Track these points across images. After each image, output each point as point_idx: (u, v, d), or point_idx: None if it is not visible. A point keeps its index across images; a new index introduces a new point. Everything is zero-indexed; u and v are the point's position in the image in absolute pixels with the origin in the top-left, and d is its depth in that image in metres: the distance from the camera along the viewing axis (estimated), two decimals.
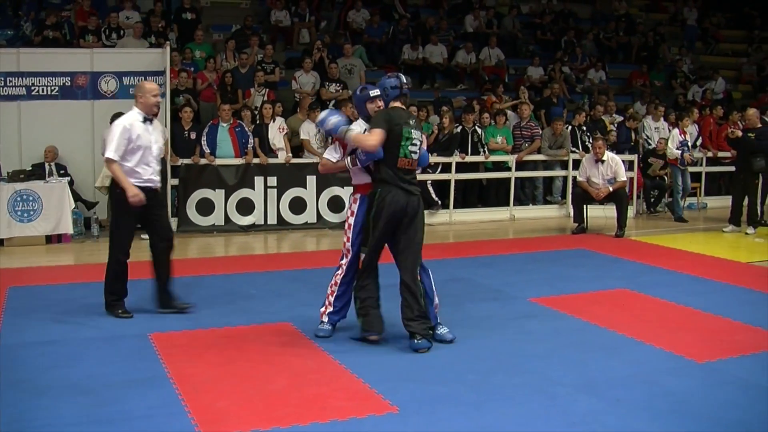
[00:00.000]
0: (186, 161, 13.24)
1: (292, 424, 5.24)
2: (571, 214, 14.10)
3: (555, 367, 6.40)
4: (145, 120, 7.87)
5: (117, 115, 12.72)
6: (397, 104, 7.09)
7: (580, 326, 7.61)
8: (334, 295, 7.29)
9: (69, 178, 12.95)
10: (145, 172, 7.85)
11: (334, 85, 16.08)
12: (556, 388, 5.93)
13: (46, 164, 13.01)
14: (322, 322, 7.29)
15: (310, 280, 9.44)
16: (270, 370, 6.30)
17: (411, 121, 7.05)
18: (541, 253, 11.71)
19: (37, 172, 12.73)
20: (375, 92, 7.15)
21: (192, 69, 15.48)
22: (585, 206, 13.65)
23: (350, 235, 7.26)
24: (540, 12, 22.79)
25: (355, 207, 7.19)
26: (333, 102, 15.34)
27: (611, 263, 10.95)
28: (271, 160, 13.60)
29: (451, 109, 15.59)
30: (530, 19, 22.74)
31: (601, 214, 13.88)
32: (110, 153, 7.67)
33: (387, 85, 7.11)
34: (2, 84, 13.33)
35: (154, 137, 7.97)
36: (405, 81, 7.12)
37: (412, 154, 7.02)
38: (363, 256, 7.21)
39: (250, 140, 13.47)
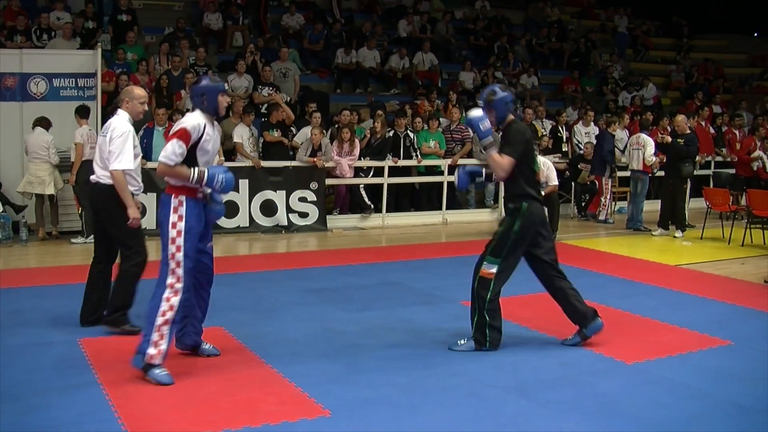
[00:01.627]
0: None
1: (223, 428, 5.24)
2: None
3: (486, 370, 6.48)
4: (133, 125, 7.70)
5: (40, 120, 12.68)
6: (512, 117, 7.12)
7: (511, 329, 7.65)
8: (169, 324, 6.17)
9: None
10: (139, 177, 7.78)
11: (267, 88, 16.04)
12: (487, 390, 6.01)
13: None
14: (153, 367, 6.12)
15: (241, 284, 9.41)
16: (201, 375, 6.29)
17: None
18: (473, 256, 11.39)
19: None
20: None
21: (125, 70, 15.33)
22: None
23: (180, 243, 6.18)
24: (473, 17, 23.04)
25: (182, 210, 6.21)
26: (266, 105, 15.32)
27: None
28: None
29: (383, 113, 15.63)
30: (464, 24, 22.99)
31: None
32: (126, 164, 7.39)
33: (508, 99, 7.02)
34: None
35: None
36: None
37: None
38: (492, 269, 7.06)
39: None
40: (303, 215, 14.05)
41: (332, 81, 19.06)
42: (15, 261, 11.50)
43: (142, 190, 7.93)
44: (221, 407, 5.61)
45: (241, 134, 13.93)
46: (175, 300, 6.16)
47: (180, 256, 6.19)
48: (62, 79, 13.73)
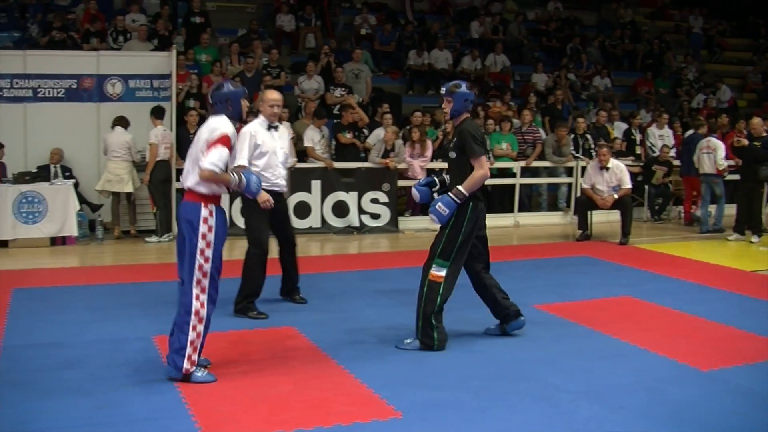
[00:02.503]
0: None
1: (295, 428, 5.26)
2: (576, 221, 14.07)
3: (558, 374, 6.42)
4: (269, 127, 8.28)
5: (119, 119, 12.89)
6: (467, 116, 7.22)
7: (584, 333, 7.63)
8: (201, 336, 6.17)
9: (74, 181, 12.97)
10: (270, 175, 8.29)
11: (339, 89, 16.09)
12: (559, 394, 5.96)
13: (52, 166, 13.04)
14: (191, 375, 6.16)
15: (313, 284, 9.44)
16: (274, 374, 6.34)
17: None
18: (545, 260, 11.71)
19: (42, 174, 12.76)
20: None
21: (196, 72, 15.50)
22: (589, 213, 13.63)
23: (209, 255, 6.15)
24: (546, 19, 22.82)
25: (212, 221, 6.14)
26: (338, 107, 15.38)
27: (615, 271, 10.96)
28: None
29: None
30: (536, 25, 22.77)
31: (605, 220, 13.89)
32: (241, 160, 8.04)
33: (470, 98, 7.16)
34: (9, 86, 13.36)
35: (279, 143, 8.37)
36: None
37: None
38: (443, 271, 7.06)
39: None
40: (375, 216, 14.10)
41: (404, 82, 19.05)
42: (91, 259, 11.71)
43: (279, 188, 8.52)
44: (293, 407, 5.65)
45: (312, 137, 14.02)
46: (203, 312, 6.12)
47: (208, 267, 6.13)
48: (138, 81, 13.97)
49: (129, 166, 12.88)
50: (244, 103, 6.48)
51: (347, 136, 14.48)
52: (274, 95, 8.38)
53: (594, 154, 14.71)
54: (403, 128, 15.25)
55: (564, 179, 15.86)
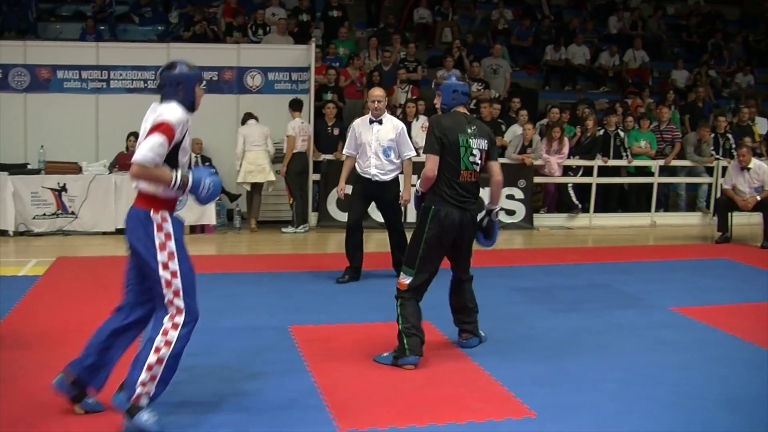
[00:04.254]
0: (328, 157, 13.44)
1: (428, 423, 5.27)
2: (715, 222, 13.72)
3: (696, 380, 6.26)
4: (371, 121, 9.29)
5: (249, 114, 13.14)
6: (461, 110, 6.65)
7: (723, 339, 7.43)
8: (162, 366, 5.06)
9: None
10: (364, 164, 9.28)
11: (475, 84, 16.07)
12: (696, 402, 5.80)
13: (192, 156, 13.33)
14: (139, 409, 5.00)
15: (448, 279, 9.42)
16: (407, 368, 6.36)
17: (470, 129, 6.56)
18: (682, 261, 11.47)
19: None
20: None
21: (337, 64, 15.70)
22: (730, 215, 13.29)
23: (176, 267, 5.12)
24: (686, 13, 22.26)
25: (168, 227, 5.12)
26: (474, 101, 15.35)
27: (756, 275, 10.62)
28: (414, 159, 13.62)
29: (593, 112, 15.42)
30: (676, 20, 22.23)
31: (746, 222, 13.55)
32: (347, 150, 9.47)
33: (459, 89, 6.61)
34: (154, 78, 13.74)
35: (376, 136, 9.22)
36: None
37: (474, 165, 6.59)
38: (407, 278, 6.51)
39: None
40: (510, 213, 14.00)
41: (540, 78, 18.91)
42: (228, 248, 11.99)
43: (370, 175, 9.36)
44: (426, 401, 5.66)
45: None
46: (174, 334, 5.05)
47: (178, 282, 5.08)
48: (277, 73, 14.22)
49: (268, 156, 13.11)
50: (199, 92, 5.38)
51: None
52: (375, 92, 9.40)
53: (735, 154, 14.34)
54: (540, 124, 15.15)
55: (704, 179, 15.48)
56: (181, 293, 5.10)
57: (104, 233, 12.48)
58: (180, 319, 5.10)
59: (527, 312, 8.30)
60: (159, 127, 5.01)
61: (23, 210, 12.32)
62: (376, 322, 7.73)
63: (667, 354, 6.97)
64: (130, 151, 12.97)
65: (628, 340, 7.38)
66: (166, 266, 5.06)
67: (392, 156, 9.28)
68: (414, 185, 7.00)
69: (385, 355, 6.51)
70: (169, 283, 5.07)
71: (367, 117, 9.44)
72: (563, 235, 13.93)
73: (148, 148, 4.94)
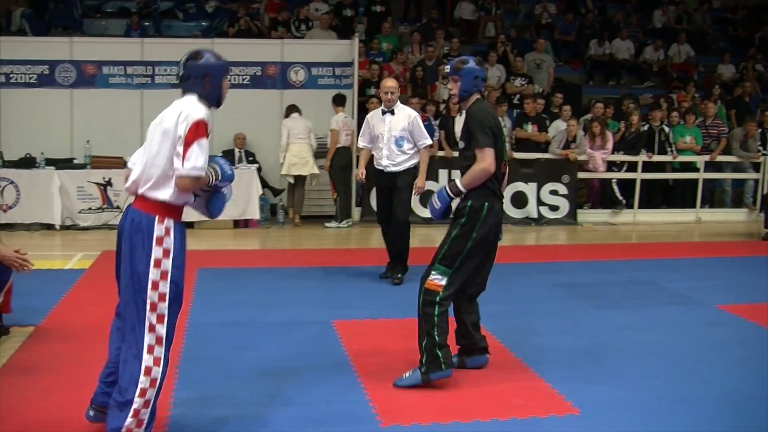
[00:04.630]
0: None
1: (472, 419, 5.26)
2: (762, 218, 13.54)
3: (744, 379, 6.18)
4: (384, 112, 9.19)
5: (292, 107, 13.18)
6: (478, 96, 6.13)
7: None
8: (151, 403, 4.58)
9: (257, 165, 13.33)
10: (377, 156, 9.24)
11: (519, 79, 16.01)
12: (746, 401, 5.74)
13: (236, 150, 13.45)
14: None
15: (492, 275, 9.38)
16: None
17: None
18: (729, 258, 11.33)
19: (226, 159, 13.12)
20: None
21: (381, 59, 15.71)
22: None
23: (165, 290, 4.59)
24: (732, 6, 22.01)
25: (169, 241, 4.60)
26: (518, 96, 15.28)
27: None
28: (456, 154, 13.59)
29: (638, 107, 15.30)
30: (722, 14, 22.00)
31: None
32: (362, 142, 9.49)
33: (480, 75, 6.05)
34: None
35: (388, 126, 9.10)
36: None
37: (505, 155, 6.15)
38: (441, 278, 5.83)
39: (436, 133, 13.51)
40: (553, 208, 14.00)
41: (584, 73, 18.79)
42: (272, 242, 12.03)
43: (382, 167, 9.28)
44: (470, 397, 5.65)
45: None
46: (157, 371, 4.54)
47: (164, 307, 4.56)
48: (320, 68, 14.26)
49: (311, 150, 13.13)
50: (226, 85, 4.88)
51: (528, 129, 14.37)
52: (387, 83, 9.33)
53: None
54: (584, 119, 15.07)
55: (750, 175, 15.31)
56: (165, 320, 4.57)
57: None
58: (160, 351, 4.56)
59: (571, 308, 8.25)
60: (196, 130, 4.54)
61: (69, 204, 12.45)
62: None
63: (715, 352, 6.89)
64: None
65: (675, 337, 7.30)
66: (155, 286, 4.54)
67: (405, 146, 9.13)
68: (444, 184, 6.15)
69: (408, 375, 5.86)
70: (154, 306, 4.54)
71: (380, 109, 9.36)
72: (607, 231, 13.84)
73: (196, 156, 4.50)
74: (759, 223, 13.88)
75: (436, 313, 5.77)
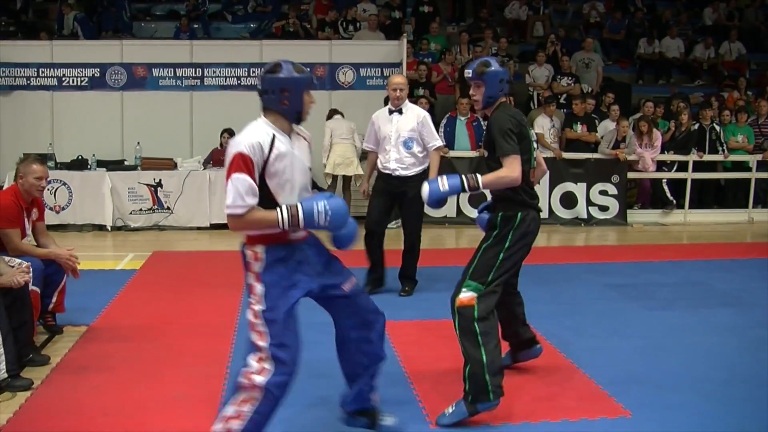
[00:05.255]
0: None
1: (522, 421, 5.25)
2: None
3: None
4: (391, 111, 8.49)
5: (334, 110, 13.21)
6: (504, 100, 5.70)
7: None
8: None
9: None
10: (384, 159, 8.54)
11: (566, 78, 15.92)
12: None
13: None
14: None
15: (542, 276, 9.32)
16: None
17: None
18: None
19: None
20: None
21: (429, 59, 15.70)
22: None
23: (262, 306, 4.38)
24: None
25: (259, 267, 4.40)
26: (564, 96, 15.21)
27: None
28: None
29: (688, 106, 15.16)
30: None
31: None
32: (367, 144, 8.84)
33: (504, 78, 5.58)
34: (246, 75, 13.97)
35: (396, 127, 8.43)
36: None
37: (534, 162, 5.75)
38: (472, 294, 5.27)
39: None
40: (603, 209, 13.91)
41: (634, 72, 18.64)
42: None
43: (389, 171, 8.61)
44: (520, 399, 5.60)
45: (542, 125, 13.98)
46: (248, 409, 4.30)
47: (265, 344, 4.32)
48: (368, 69, 14.29)
49: (356, 150, 13.15)
50: (308, 99, 4.48)
51: (578, 129, 14.29)
52: (396, 79, 8.64)
53: None
54: (633, 119, 14.96)
55: None
56: (268, 338, 4.31)
57: (198, 228, 12.68)
58: (270, 366, 4.31)
59: (622, 309, 8.20)
60: (232, 166, 4.24)
61: (120, 205, 12.59)
62: None
63: None
64: (223, 147, 13.14)
65: (728, 339, 7.22)
66: (256, 315, 4.35)
67: (414, 148, 8.48)
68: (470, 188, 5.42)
69: (451, 411, 5.27)
70: (261, 335, 4.33)
71: (387, 108, 8.68)
72: (657, 231, 13.73)
73: (234, 197, 4.22)
74: None
75: (478, 331, 5.19)
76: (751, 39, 19.79)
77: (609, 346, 6.93)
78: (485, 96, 5.51)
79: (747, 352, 6.84)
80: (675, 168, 14.51)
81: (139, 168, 12.85)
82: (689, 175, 14.41)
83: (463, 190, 5.39)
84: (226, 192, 4.24)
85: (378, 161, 8.69)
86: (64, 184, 12.48)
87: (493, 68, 5.49)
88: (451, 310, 5.34)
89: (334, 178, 13.26)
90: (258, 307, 4.32)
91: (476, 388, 5.16)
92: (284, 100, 4.37)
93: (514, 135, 5.36)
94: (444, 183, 5.33)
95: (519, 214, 5.46)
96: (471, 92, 5.63)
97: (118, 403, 5.45)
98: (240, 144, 4.26)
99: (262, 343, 4.28)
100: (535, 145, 5.80)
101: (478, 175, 5.35)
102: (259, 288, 4.34)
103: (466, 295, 5.26)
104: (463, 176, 5.35)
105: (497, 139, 5.35)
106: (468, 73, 5.60)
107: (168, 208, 12.63)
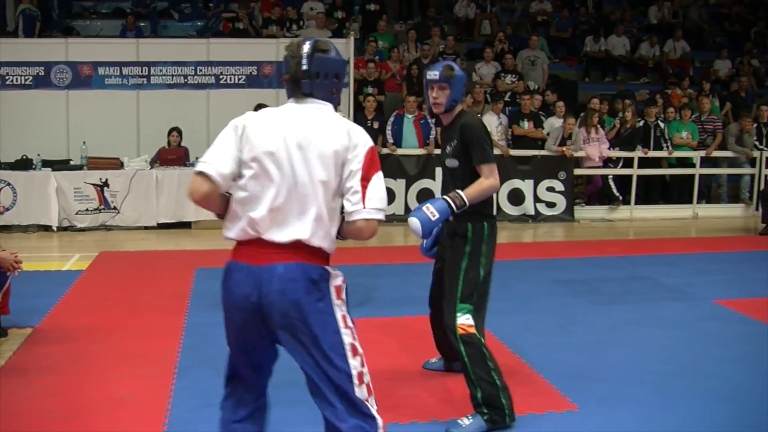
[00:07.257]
0: None
1: (467, 414, 5.19)
2: (759, 214, 13.55)
3: (743, 374, 6.16)
4: None
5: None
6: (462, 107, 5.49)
7: None
8: None
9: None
10: None
11: (510, 76, 15.99)
12: (744, 396, 5.72)
13: None
14: None
15: (496, 274, 9.34)
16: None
17: None
18: (726, 253, 11.36)
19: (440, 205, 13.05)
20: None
21: (377, 58, 15.71)
22: None
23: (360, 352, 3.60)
24: (728, 2, 22.01)
25: (345, 291, 3.70)
26: (509, 93, 15.29)
27: None
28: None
29: (633, 103, 15.31)
30: (717, 9, 22.00)
31: None
32: None
33: (465, 81, 5.42)
34: (193, 73, 13.86)
35: None
36: None
37: None
38: (469, 317, 5.18)
39: (432, 132, 13.54)
40: (550, 205, 13.99)
41: (581, 69, 18.79)
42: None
43: None
44: (466, 393, 5.48)
45: (490, 122, 13.96)
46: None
47: (367, 376, 3.56)
48: None
49: None
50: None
51: (525, 126, 14.38)
52: None
53: None
54: (580, 115, 15.07)
55: (746, 170, 15.30)
56: (372, 390, 3.56)
57: (146, 228, 12.56)
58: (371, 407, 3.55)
59: (569, 304, 8.26)
60: (373, 161, 3.52)
61: (66, 205, 12.42)
62: (417, 315, 7.61)
63: (713, 347, 6.88)
64: (171, 146, 13.06)
65: (672, 332, 7.30)
66: (355, 351, 3.52)
67: None
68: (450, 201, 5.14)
69: (468, 423, 5.12)
70: (361, 377, 3.50)
71: None
72: (604, 227, 13.85)
73: (380, 195, 3.50)
74: (756, 218, 13.94)
75: (486, 355, 5.14)
76: (695, 38, 20.05)
77: (556, 342, 6.97)
78: (450, 98, 5.28)
79: (692, 345, 6.93)
80: (621, 164, 14.64)
81: (85, 168, 12.68)
82: (635, 172, 14.56)
83: (453, 213, 5.10)
84: (374, 191, 3.48)
85: None
86: (9, 184, 12.29)
87: (458, 72, 5.32)
88: (452, 338, 5.18)
89: None
90: (360, 348, 3.58)
91: (494, 412, 5.09)
92: (333, 88, 3.67)
93: (490, 143, 5.26)
94: (432, 211, 5.04)
95: (485, 223, 5.30)
96: (433, 94, 5.31)
97: (64, 406, 5.39)
98: (366, 135, 3.59)
99: (372, 400, 3.59)
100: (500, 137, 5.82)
101: (460, 192, 5.11)
102: (347, 315, 3.62)
103: (465, 321, 5.15)
104: (446, 197, 5.10)
105: (476, 146, 5.16)
106: (434, 75, 5.29)
107: (115, 208, 12.49)
